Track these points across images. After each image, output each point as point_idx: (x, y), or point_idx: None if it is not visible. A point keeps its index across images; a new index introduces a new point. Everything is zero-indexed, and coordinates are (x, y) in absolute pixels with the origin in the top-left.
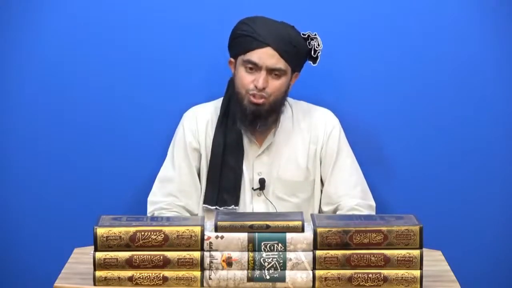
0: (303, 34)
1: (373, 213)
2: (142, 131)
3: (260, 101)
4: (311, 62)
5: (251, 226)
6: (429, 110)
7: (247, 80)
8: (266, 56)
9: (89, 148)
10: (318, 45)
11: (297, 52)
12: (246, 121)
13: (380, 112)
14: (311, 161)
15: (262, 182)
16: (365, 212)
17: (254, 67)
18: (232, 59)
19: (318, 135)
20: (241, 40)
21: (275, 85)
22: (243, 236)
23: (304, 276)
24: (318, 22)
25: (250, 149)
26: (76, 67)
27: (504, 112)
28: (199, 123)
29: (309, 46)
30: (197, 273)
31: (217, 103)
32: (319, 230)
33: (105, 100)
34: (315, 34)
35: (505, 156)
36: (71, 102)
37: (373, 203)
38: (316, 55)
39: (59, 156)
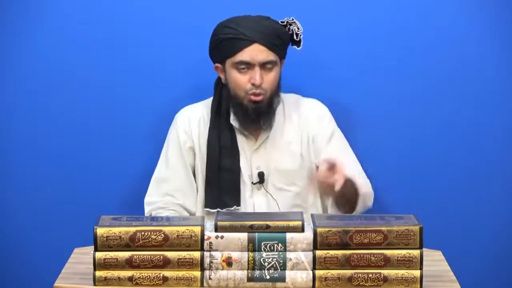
0: (281, 22)
1: (371, 189)
2: (142, 131)
3: (259, 98)
4: (295, 47)
5: (251, 226)
6: (429, 110)
7: (243, 81)
8: (256, 52)
9: (89, 148)
10: (298, 28)
11: (282, 41)
12: (248, 120)
13: (380, 112)
14: (304, 148)
15: (261, 175)
16: (364, 182)
17: (246, 66)
18: (218, 65)
19: (309, 123)
20: (227, 44)
21: (269, 78)
22: (243, 236)
23: (304, 276)
24: (317, 20)
25: (246, 145)
26: (74, 68)
27: (504, 112)
28: (191, 123)
29: (290, 31)
30: (197, 273)
31: (208, 102)
32: (319, 230)
33: (104, 101)
34: (293, 19)
35: (505, 156)
36: (70, 103)
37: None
38: (298, 38)
39: (59, 156)
